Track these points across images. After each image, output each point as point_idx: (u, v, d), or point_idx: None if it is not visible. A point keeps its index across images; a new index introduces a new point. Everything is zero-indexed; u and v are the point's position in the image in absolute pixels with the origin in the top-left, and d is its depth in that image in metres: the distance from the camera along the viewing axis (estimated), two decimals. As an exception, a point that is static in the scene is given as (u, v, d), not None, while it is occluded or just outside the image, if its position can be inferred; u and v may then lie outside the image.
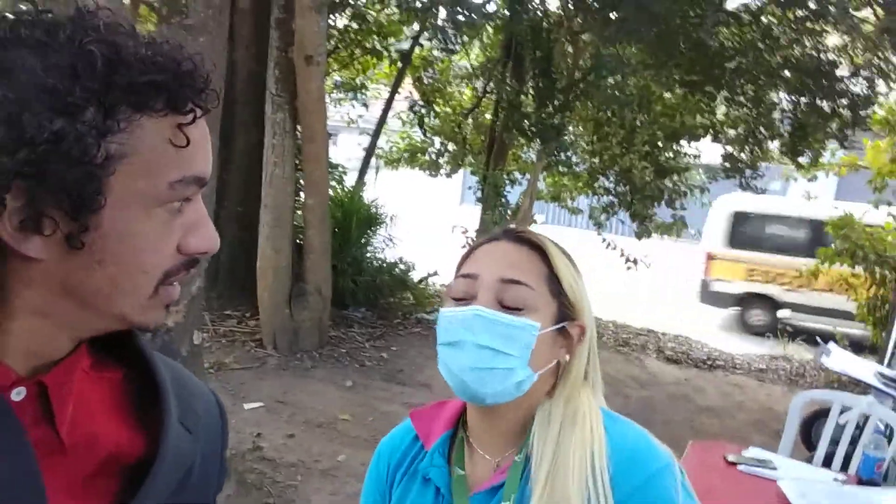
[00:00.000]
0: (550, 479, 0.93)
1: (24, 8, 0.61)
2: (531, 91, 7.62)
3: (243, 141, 5.99)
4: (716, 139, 8.64)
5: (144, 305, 0.61)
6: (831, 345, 4.20)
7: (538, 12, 7.28)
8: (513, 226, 1.11)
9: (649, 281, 11.08)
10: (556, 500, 0.91)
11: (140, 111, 0.57)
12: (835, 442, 2.94)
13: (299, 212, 5.89)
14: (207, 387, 0.81)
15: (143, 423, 0.67)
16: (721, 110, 8.44)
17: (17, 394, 0.59)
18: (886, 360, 4.52)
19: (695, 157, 8.85)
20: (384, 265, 7.03)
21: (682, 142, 8.77)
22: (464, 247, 7.67)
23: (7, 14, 0.57)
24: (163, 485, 0.64)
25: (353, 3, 7.83)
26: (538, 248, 1.03)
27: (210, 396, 0.79)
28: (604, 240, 8.13)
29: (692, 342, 8.16)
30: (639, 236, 8.93)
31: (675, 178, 8.80)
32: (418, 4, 6.50)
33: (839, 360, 3.95)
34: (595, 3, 6.84)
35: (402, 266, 7.14)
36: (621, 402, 5.46)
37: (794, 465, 2.54)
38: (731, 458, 2.51)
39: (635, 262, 8.28)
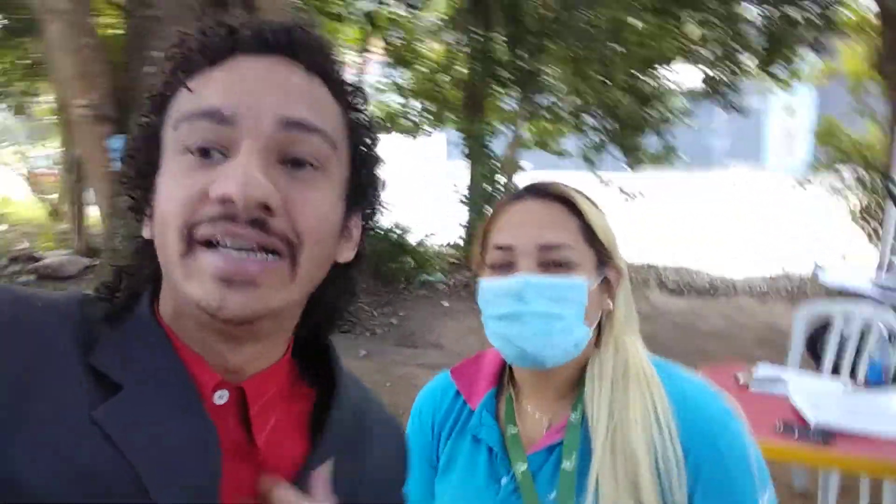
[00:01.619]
0: (611, 435, 0.92)
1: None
2: (502, 38, 7.52)
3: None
4: (691, 61, 8.58)
5: (182, 270, 0.56)
6: (825, 261, 4.27)
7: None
8: (535, 182, 1.09)
9: (645, 215, 11.14)
10: (620, 457, 0.91)
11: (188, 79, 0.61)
12: (840, 352, 3.01)
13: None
14: (393, 418, 0.79)
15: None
16: (696, 33, 8.36)
17: (220, 397, 0.60)
18: (884, 268, 4.58)
19: (673, 81, 8.79)
20: (380, 232, 7.04)
21: (661, 68, 8.72)
22: (461, 202, 7.69)
23: None
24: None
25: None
26: (566, 201, 1.00)
27: (394, 426, 0.78)
28: (600, 179, 8.12)
29: (693, 272, 8.24)
30: (632, 167, 8.95)
31: (659, 105, 8.78)
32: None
33: (835, 274, 4.02)
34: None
35: (397, 231, 7.15)
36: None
37: (803, 379, 2.60)
38: (742, 380, 2.53)
39: (631, 195, 8.30)
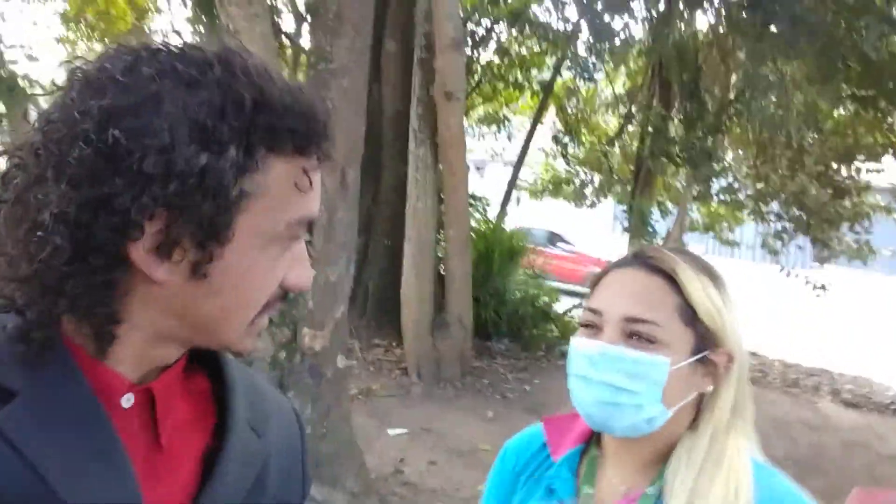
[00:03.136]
0: None
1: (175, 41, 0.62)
2: (679, 116, 7.36)
3: (391, 176, 6.27)
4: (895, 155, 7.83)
5: (243, 334, 0.64)
6: None
7: (685, 34, 7.06)
8: (646, 248, 1.05)
9: (826, 315, 10.15)
10: None
11: (274, 153, 0.59)
12: None
13: (442, 243, 6.04)
14: (286, 399, 0.84)
15: (219, 424, 0.70)
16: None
17: (126, 400, 0.62)
18: None
19: (878, 171, 8.04)
20: (527, 296, 6.99)
21: (859, 160, 8.06)
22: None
23: (161, 46, 0.60)
24: (232, 481, 0.66)
25: (495, 38, 8.02)
26: (669, 276, 0.96)
27: (287, 406, 0.82)
28: (782, 268, 7.57)
29: (874, 384, 7.33)
30: (820, 262, 8.27)
31: (856, 198, 8.08)
32: (559, 30, 6.53)
33: None
34: (747, 20, 6.50)
35: (545, 297, 7.06)
36: (787, 446, 5.00)
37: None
38: None
39: (823, 287, 7.61)
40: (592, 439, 1.07)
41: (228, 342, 0.64)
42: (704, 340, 0.95)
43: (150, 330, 0.62)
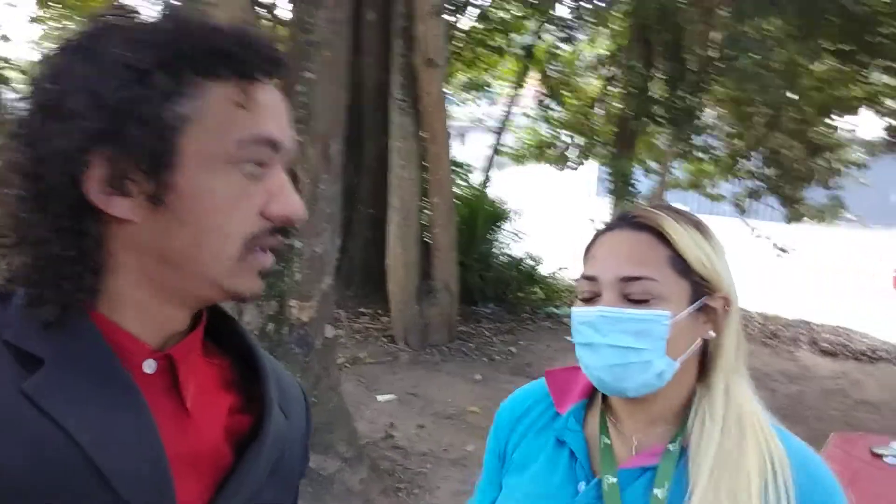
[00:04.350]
0: (715, 479, 0.91)
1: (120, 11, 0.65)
2: (661, 76, 7.36)
3: (372, 146, 6.27)
4: (874, 111, 7.88)
5: (233, 270, 0.63)
6: None
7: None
8: (629, 209, 1.06)
9: (805, 269, 10.31)
10: (722, 501, 0.90)
11: (206, 76, 0.61)
12: None
13: (427, 211, 6.08)
14: (295, 378, 0.85)
15: (248, 406, 0.72)
16: (877, 78, 7.68)
17: (148, 366, 0.64)
18: None
19: (850, 131, 8.10)
20: (511, 260, 7.06)
21: (837, 117, 8.08)
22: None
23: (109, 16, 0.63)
24: (265, 463, 0.68)
25: (476, 3, 7.94)
26: (656, 231, 0.98)
27: (297, 385, 0.83)
28: (752, 229, 7.66)
29: (852, 333, 7.49)
30: (789, 220, 8.35)
31: (829, 155, 8.13)
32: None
33: None
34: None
35: (529, 261, 7.13)
36: (767, 397, 5.06)
37: (945, 461, 2.32)
38: (877, 449, 2.35)
39: (784, 250, 7.75)
40: (597, 394, 1.08)
41: (216, 278, 0.63)
42: (700, 288, 0.97)
43: (138, 277, 0.63)
